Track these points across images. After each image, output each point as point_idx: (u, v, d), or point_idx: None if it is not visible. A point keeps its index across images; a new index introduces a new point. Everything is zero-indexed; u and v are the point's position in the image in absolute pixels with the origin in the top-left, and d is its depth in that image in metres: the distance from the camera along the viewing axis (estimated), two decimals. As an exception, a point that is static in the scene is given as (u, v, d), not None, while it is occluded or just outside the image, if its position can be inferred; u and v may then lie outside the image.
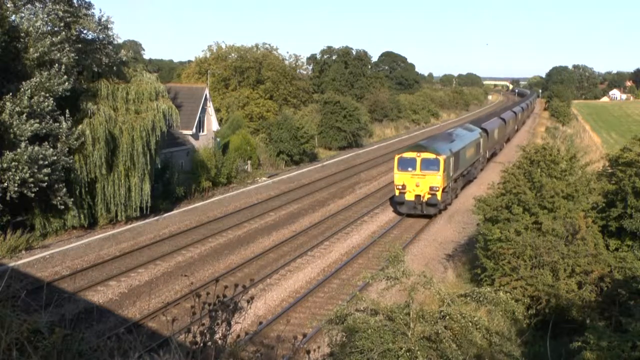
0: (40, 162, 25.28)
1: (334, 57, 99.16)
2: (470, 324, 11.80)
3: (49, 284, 21.71)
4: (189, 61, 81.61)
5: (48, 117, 26.38)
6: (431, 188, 33.80)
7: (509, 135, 74.60)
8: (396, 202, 35.15)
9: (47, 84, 26.01)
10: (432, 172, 33.76)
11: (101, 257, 26.18)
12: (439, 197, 34.04)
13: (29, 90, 25.45)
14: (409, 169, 34.09)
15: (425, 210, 34.10)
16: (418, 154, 34.11)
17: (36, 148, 25.12)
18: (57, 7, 27.89)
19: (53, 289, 21.45)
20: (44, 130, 26.06)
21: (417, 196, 34.07)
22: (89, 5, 30.61)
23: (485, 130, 51.69)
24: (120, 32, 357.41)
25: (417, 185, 33.92)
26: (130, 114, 30.64)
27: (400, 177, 34.36)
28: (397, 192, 34.67)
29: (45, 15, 27.41)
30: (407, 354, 11.23)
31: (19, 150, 24.68)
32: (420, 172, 33.87)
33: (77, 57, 28.60)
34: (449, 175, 35.53)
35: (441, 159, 33.74)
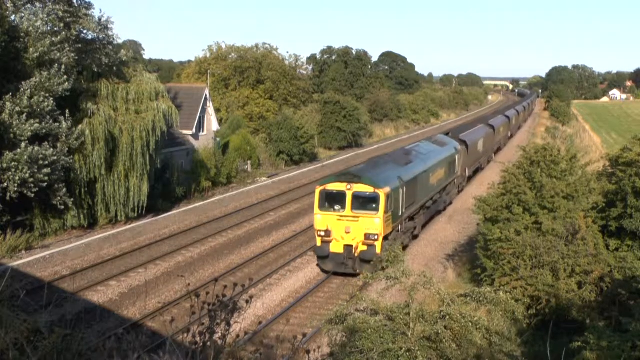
0: (40, 162, 25.28)
1: (334, 57, 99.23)
2: (470, 324, 11.82)
3: (49, 284, 21.70)
4: (189, 61, 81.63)
5: (48, 117, 26.37)
6: (367, 236, 23.48)
7: (500, 144, 64.19)
8: (317, 256, 24.76)
9: (47, 84, 26.00)
10: (368, 212, 23.63)
11: (101, 257, 26.17)
12: (378, 250, 23.26)
13: (29, 90, 25.45)
14: (336, 207, 23.97)
15: (359, 268, 23.29)
16: (349, 186, 23.78)
17: (36, 148, 25.12)
18: (57, 7, 27.89)
19: (53, 289, 21.44)
20: (44, 130, 26.05)
21: (347, 247, 23.79)
22: (89, 6, 30.61)
23: (464, 142, 41.28)
24: (120, 32, 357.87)
25: (347, 232, 23.70)
26: (130, 114, 30.65)
27: (323, 220, 23.90)
28: (318, 241, 24.21)
29: (45, 15, 27.39)
30: (407, 354, 11.25)
31: (19, 150, 24.67)
32: (351, 213, 23.71)
33: (77, 57, 28.60)
34: (398, 214, 25.45)
35: (382, 193, 23.53)
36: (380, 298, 13.84)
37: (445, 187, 35.34)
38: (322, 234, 23.95)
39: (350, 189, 23.82)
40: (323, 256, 24.25)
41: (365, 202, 23.82)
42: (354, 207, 23.78)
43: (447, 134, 43.72)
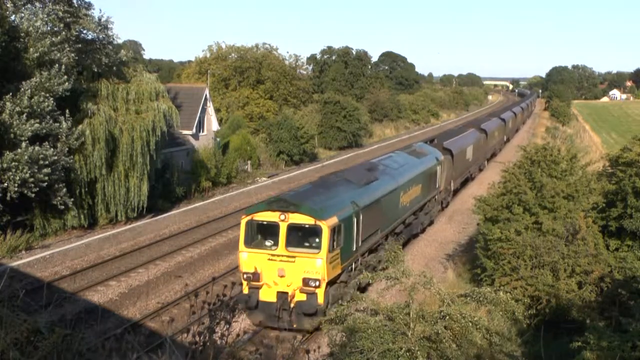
0: (41, 162, 25.30)
1: (334, 57, 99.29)
2: (471, 324, 11.82)
3: (49, 284, 21.72)
4: (189, 61, 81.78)
5: (48, 117, 26.38)
6: (306, 282, 18.06)
7: (494, 149, 58.77)
8: (244, 306, 18.27)
9: (47, 84, 26.02)
10: (307, 251, 18.33)
11: (101, 257, 26.18)
12: (320, 299, 18.07)
13: (29, 90, 25.46)
14: (267, 243, 18.72)
15: (297, 322, 18.18)
16: (282, 216, 18.33)
17: (36, 148, 25.14)
18: (57, 7, 27.92)
19: (53, 289, 21.46)
20: (44, 130, 26.06)
21: (282, 295, 18.30)
22: (89, 6, 30.67)
23: (449, 151, 35.86)
24: (120, 32, 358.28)
25: (280, 276, 18.27)
26: (130, 114, 30.66)
27: (250, 259, 18.46)
28: (244, 287, 18.61)
29: (45, 16, 27.42)
30: (407, 354, 11.25)
31: (19, 150, 24.69)
32: (286, 251, 18.26)
33: (77, 57, 28.63)
34: (350, 249, 20.00)
35: (324, 226, 18.07)
36: (380, 298, 13.85)
37: (422, 205, 30.17)
38: (250, 277, 18.35)
39: (284, 220, 18.24)
40: (250, 306, 18.29)
41: (303, 238, 18.63)
42: (289, 244, 18.25)
43: (431, 141, 38.85)
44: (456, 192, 40.29)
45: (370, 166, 26.32)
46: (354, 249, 20.42)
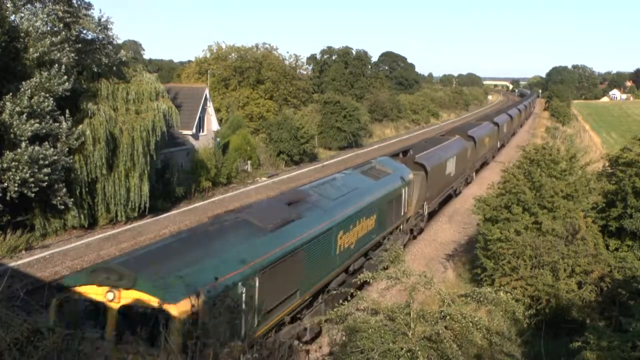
0: (41, 162, 25.29)
1: (334, 57, 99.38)
2: (471, 324, 11.83)
3: (49, 284, 21.71)
4: (189, 61, 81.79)
5: (48, 117, 26.38)
6: None
7: (485, 158, 52.70)
8: None
9: (47, 84, 26.01)
10: (149, 351, 10.44)
11: (101, 257, 26.16)
12: None
13: (29, 90, 25.46)
14: (89, 335, 11.02)
15: None
16: (112, 293, 11.12)
17: (36, 148, 25.13)
18: (57, 7, 27.92)
19: (53, 289, 21.44)
20: (44, 130, 26.06)
21: None
22: (89, 6, 30.65)
23: (422, 166, 29.28)
24: (120, 32, 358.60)
25: None
26: (130, 114, 30.65)
27: None
28: None
29: (45, 16, 27.41)
30: (408, 354, 11.25)
31: (19, 150, 24.69)
32: (117, 351, 10.63)
33: (77, 57, 28.61)
34: (233, 339, 10.94)
35: (176, 311, 10.72)
36: (381, 298, 13.86)
37: (379, 241, 23.24)
38: None
39: (114, 300, 11.24)
40: None
41: (143, 329, 10.71)
42: (121, 338, 10.88)
43: (404, 152, 31.81)
44: (433, 214, 33.37)
45: (295, 197, 18.23)
46: (243, 335, 12.00)
